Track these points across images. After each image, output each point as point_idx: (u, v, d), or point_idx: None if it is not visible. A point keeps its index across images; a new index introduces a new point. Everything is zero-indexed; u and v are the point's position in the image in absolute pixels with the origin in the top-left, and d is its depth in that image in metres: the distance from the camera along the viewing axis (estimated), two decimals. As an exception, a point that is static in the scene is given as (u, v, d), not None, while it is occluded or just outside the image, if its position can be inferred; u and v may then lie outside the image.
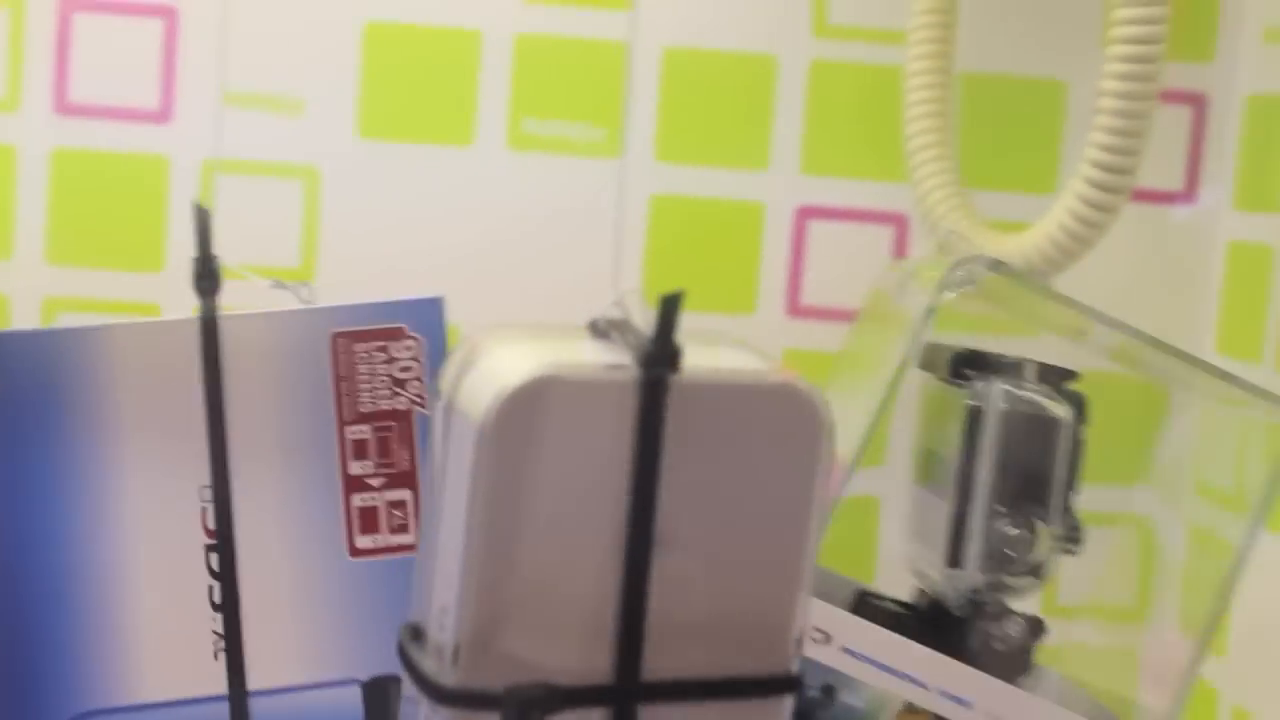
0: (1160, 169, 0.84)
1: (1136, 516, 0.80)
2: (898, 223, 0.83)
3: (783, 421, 0.44)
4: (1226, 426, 0.71)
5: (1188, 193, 0.85)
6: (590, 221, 0.83)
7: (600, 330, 0.46)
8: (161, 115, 0.82)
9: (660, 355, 0.43)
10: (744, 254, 0.84)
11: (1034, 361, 0.66)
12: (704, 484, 0.44)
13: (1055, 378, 0.66)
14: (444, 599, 0.44)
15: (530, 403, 0.42)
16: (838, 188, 0.84)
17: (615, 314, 0.46)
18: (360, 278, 0.82)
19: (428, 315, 0.63)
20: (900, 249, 0.83)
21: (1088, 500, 0.67)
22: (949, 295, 0.63)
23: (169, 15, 0.81)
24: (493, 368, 0.44)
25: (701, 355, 0.44)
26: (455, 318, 0.63)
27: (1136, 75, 0.67)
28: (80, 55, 0.81)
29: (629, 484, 0.43)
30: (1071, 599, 0.78)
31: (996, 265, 0.65)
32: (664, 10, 0.83)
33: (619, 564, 0.43)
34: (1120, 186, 0.68)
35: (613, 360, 0.44)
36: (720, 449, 0.44)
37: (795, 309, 0.84)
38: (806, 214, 0.84)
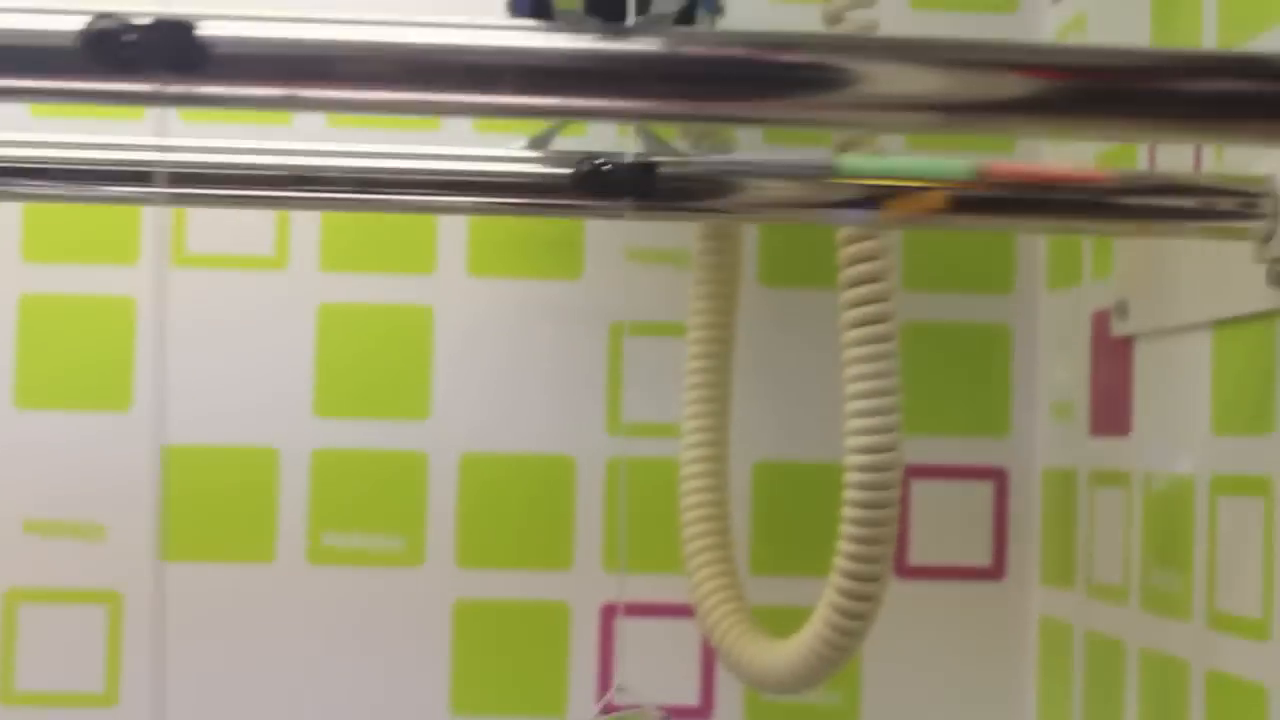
0: (968, 544, 0.84)
1: None
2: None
3: None
4: None
5: (996, 569, 0.85)
6: (390, 632, 0.83)
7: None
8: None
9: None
10: (551, 654, 0.83)
11: None
12: None
13: None
14: None
15: None
16: (645, 584, 0.83)
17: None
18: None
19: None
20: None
21: None
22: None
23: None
24: None
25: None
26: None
27: (876, 466, 0.67)
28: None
29: None
30: None
31: None
32: (460, 418, 0.84)
33: None
34: (873, 594, 0.67)
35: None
36: None
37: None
38: (612, 611, 0.83)
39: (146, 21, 0.44)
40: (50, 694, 0.83)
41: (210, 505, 0.83)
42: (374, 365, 0.84)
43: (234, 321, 0.84)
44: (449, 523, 0.84)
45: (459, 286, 0.84)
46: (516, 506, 0.84)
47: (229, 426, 0.83)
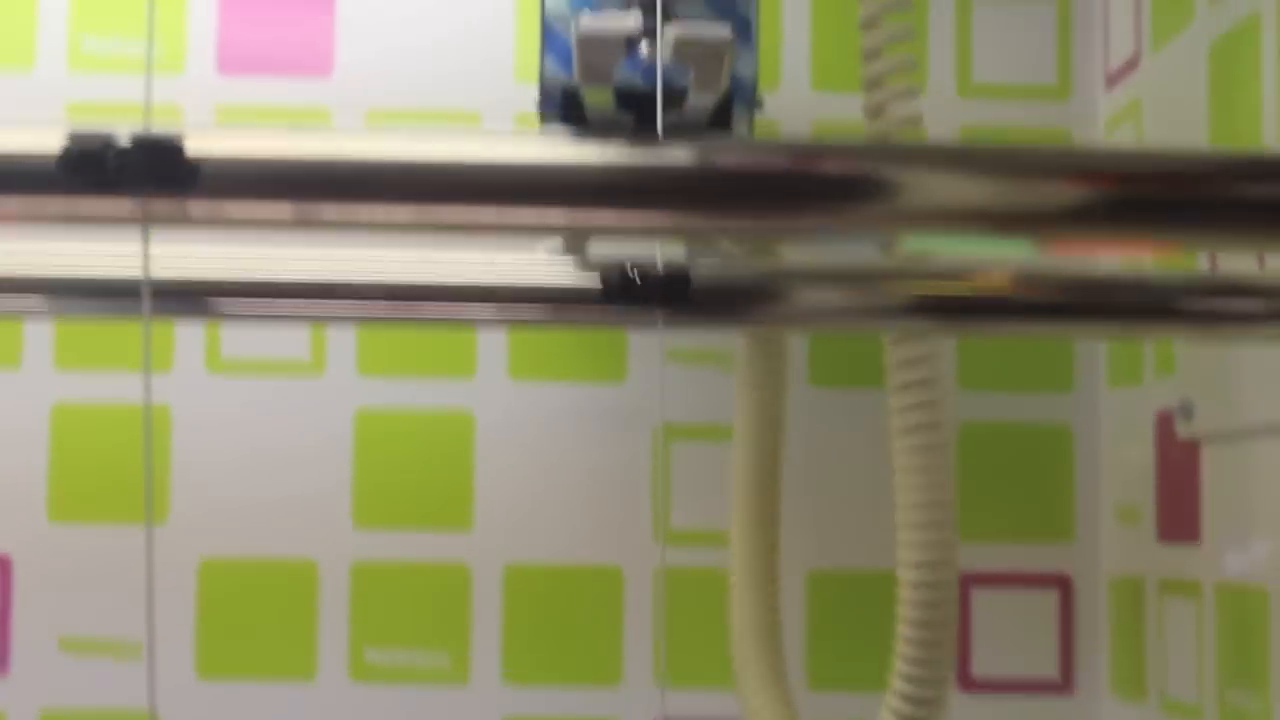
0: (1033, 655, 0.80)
1: None
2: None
3: None
4: None
5: (1064, 682, 0.81)
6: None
7: None
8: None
9: None
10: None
11: None
12: None
13: None
14: None
15: None
16: (695, 700, 0.80)
17: None
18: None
19: None
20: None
21: None
22: None
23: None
24: None
25: None
26: None
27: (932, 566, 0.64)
28: None
29: None
30: None
31: None
32: (503, 528, 0.81)
33: None
34: (932, 711, 0.64)
35: None
36: None
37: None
38: (662, 728, 0.80)
39: (126, 143, 0.42)
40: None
41: (248, 621, 0.81)
42: (414, 473, 0.82)
43: (270, 429, 0.81)
44: (494, 637, 0.81)
45: (500, 391, 0.82)
46: (563, 619, 0.81)
47: (266, 539, 0.81)
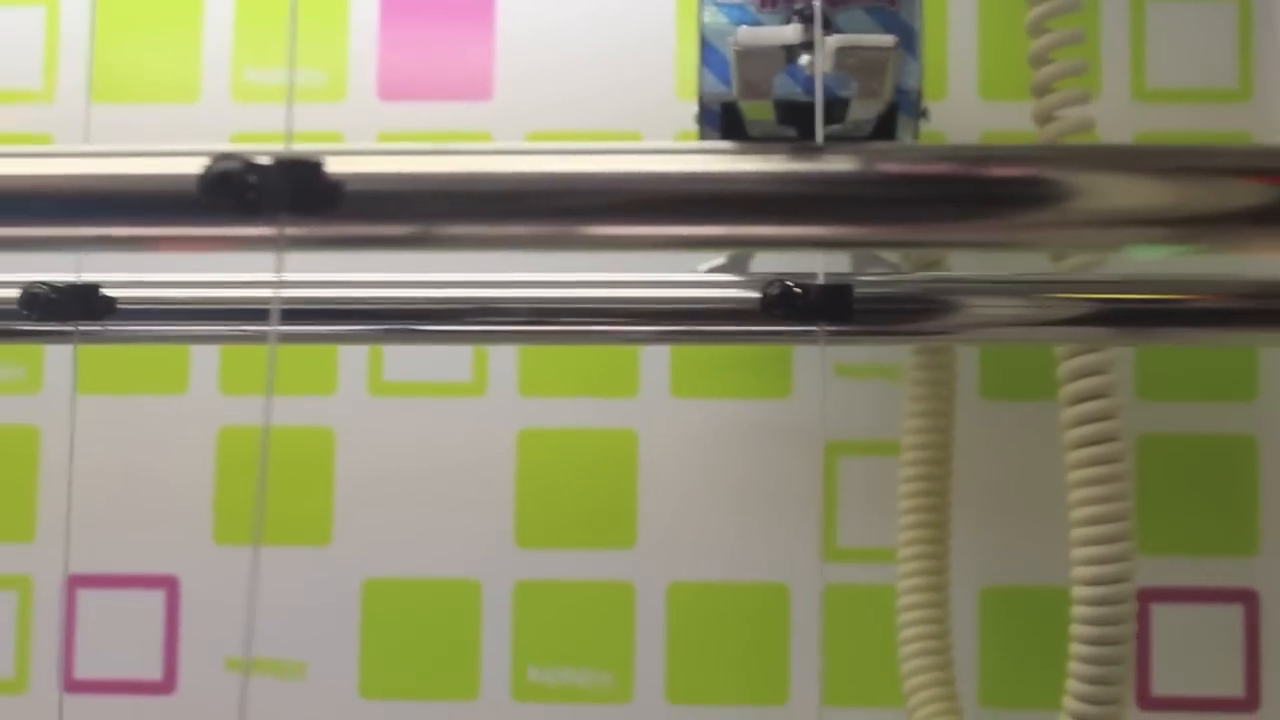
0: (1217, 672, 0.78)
1: None
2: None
3: None
4: None
5: (1249, 700, 0.78)
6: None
7: None
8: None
9: None
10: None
11: None
12: None
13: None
14: None
15: None
16: (863, 717, 0.78)
17: None
18: None
19: None
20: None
21: None
22: None
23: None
24: None
25: None
26: None
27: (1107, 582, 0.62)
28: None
29: None
30: None
31: None
32: (667, 546, 0.80)
33: None
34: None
35: None
36: None
37: None
38: (831, 750, 0.79)
39: (268, 161, 0.41)
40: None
41: (412, 640, 0.81)
42: (577, 492, 0.81)
43: (433, 450, 0.81)
44: (658, 656, 0.80)
45: (663, 408, 0.81)
46: (728, 638, 0.80)
47: (429, 559, 0.81)
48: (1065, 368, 0.61)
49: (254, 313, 0.62)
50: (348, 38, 0.83)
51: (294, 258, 0.44)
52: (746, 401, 0.81)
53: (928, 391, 0.73)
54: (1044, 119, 0.60)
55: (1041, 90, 0.60)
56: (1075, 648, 0.61)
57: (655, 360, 0.81)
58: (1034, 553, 0.79)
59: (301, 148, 0.43)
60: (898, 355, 0.78)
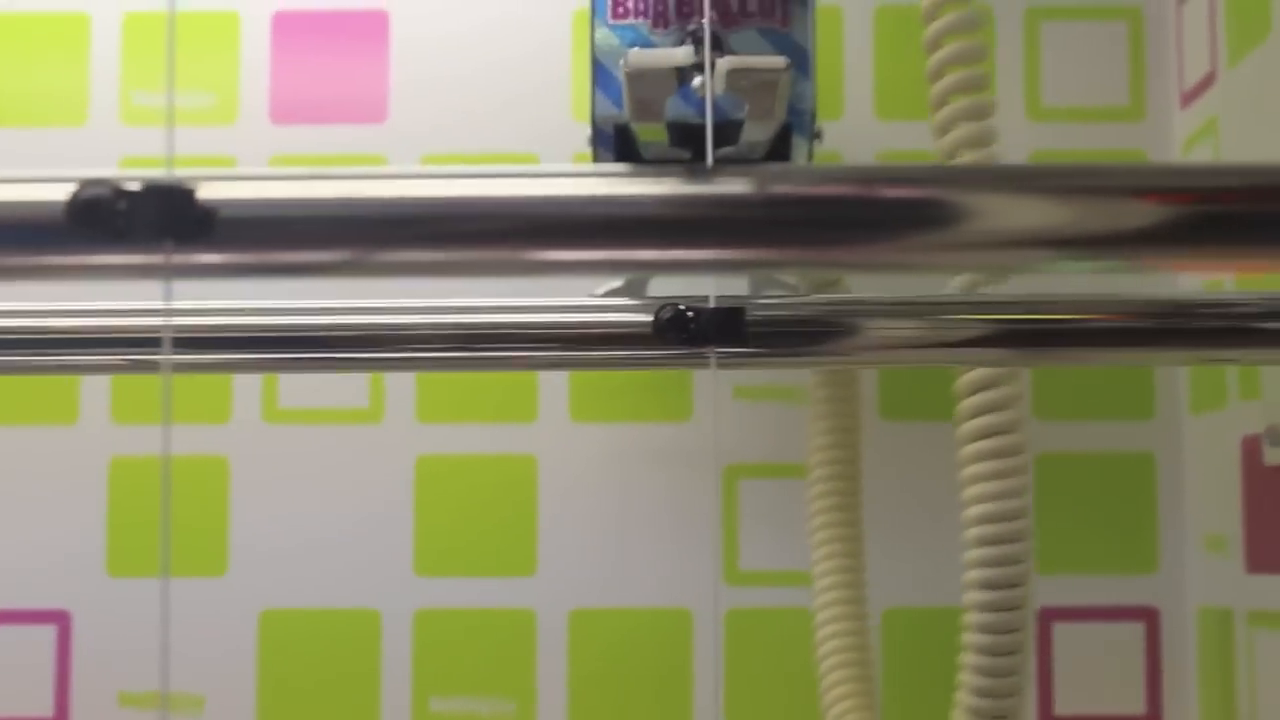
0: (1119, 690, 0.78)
1: None
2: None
3: None
4: None
5: (1151, 717, 0.78)
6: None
7: None
8: None
9: None
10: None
11: None
12: None
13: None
14: None
15: None
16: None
17: None
18: None
19: None
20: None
21: None
22: None
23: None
24: None
25: None
26: None
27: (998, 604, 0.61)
28: None
29: None
30: None
31: None
32: (568, 573, 0.79)
33: None
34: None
35: None
36: None
37: None
38: (736, 776, 0.78)
39: (137, 187, 0.40)
40: None
41: (311, 672, 0.79)
42: (476, 519, 0.80)
43: (330, 478, 0.80)
44: (560, 684, 0.79)
45: (563, 434, 0.80)
46: (631, 665, 0.79)
47: (327, 589, 0.80)
48: (962, 381, 0.61)
49: (144, 340, 0.61)
50: (239, 59, 0.82)
51: (178, 285, 0.43)
52: (647, 425, 0.80)
53: (833, 409, 0.73)
54: (943, 133, 0.60)
55: (939, 104, 0.60)
56: (967, 658, 0.61)
57: (554, 385, 0.80)
58: (937, 574, 0.79)
59: (182, 172, 0.42)
60: (799, 378, 0.78)
